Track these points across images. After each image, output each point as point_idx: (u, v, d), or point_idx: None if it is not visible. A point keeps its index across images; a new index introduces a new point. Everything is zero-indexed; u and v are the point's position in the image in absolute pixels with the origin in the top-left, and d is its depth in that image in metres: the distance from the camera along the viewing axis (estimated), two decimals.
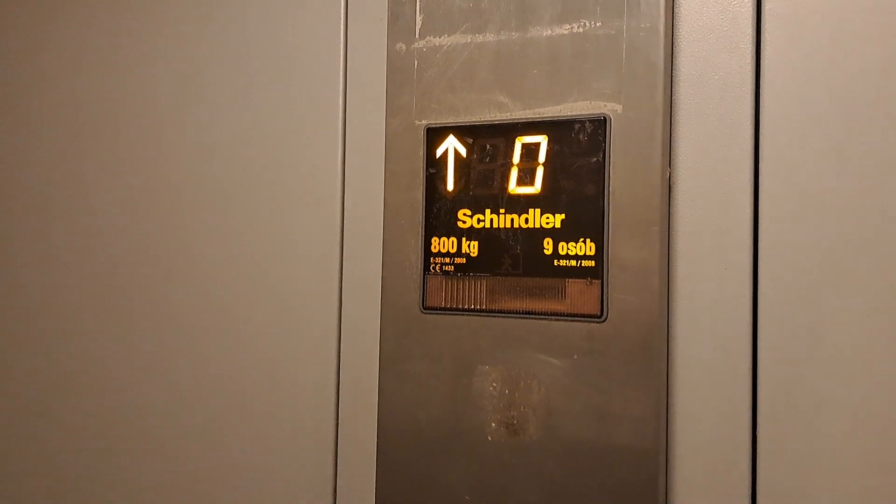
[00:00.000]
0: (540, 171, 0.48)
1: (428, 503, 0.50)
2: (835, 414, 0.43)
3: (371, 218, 0.54)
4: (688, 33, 0.46)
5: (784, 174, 0.44)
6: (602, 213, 0.46)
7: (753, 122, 0.45)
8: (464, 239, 0.50)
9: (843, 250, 0.43)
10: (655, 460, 0.45)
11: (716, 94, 0.46)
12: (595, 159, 0.47)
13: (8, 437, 0.69)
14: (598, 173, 0.46)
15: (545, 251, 0.48)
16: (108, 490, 0.64)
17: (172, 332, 0.62)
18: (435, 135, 0.51)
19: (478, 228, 0.49)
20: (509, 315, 0.49)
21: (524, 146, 0.48)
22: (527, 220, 0.48)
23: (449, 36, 0.51)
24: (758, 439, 0.44)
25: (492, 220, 0.49)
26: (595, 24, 0.47)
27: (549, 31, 0.48)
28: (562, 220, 0.47)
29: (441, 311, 0.51)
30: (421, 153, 0.51)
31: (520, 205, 0.48)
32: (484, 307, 0.49)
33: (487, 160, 0.49)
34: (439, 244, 0.51)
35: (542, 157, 0.48)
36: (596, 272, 0.46)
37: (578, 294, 0.47)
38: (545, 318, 0.48)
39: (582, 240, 0.47)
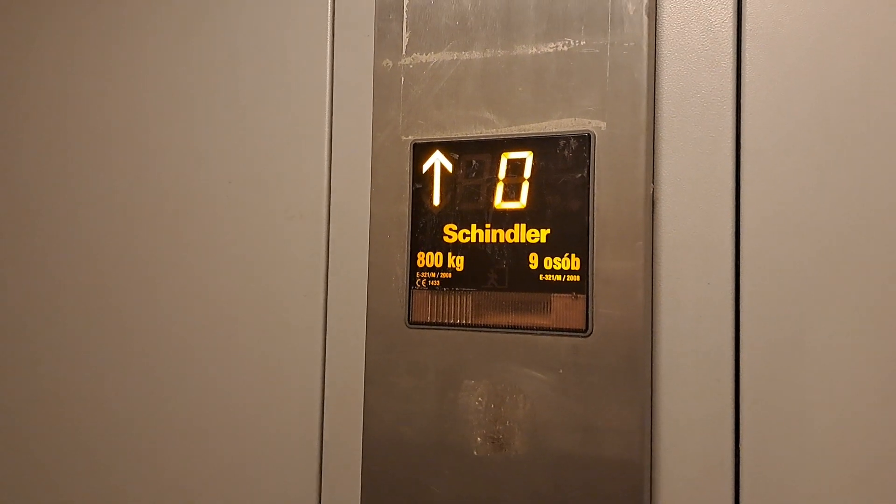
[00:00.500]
0: (525, 187, 0.48)
1: None
2: (817, 424, 0.43)
3: (357, 232, 0.54)
4: (670, 52, 0.47)
5: (765, 189, 0.45)
6: (587, 228, 0.47)
7: (734, 139, 0.46)
8: (450, 254, 0.50)
9: (824, 263, 0.44)
10: (640, 473, 0.45)
11: (698, 111, 0.46)
12: (580, 175, 0.47)
13: None
14: (583, 189, 0.47)
15: (531, 266, 0.48)
16: (90, 495, 0.63)
17: (155, 345, 0.61)
18: (421, 150, 0.51)
19: (464, 243, 0.50)
20: (495, 330, 0.49)
21: (510, 162, 0.49)
22: (512, 235, 0.48)
23: (436, 53, 0.52)
24: (741, 450, 0.45)
25: (478, 234, 0.49)
26: (579, 42, 0.48)
27: (535, 49, 0.49)
28: (547, 235, 0.48)
29: (427, 326, 0.51)
30: (407, 168, 0.52)
31: (505, 220, 0.49)
32: (470, 322, 0.49)
33: (473, 175, 0.50)
34: (425, 259, 0.51)
35: (527, 173, 0.48)
36: (581, 287, 0.47)
37: (564, 308, 0.47)
38: (531, 333, 0.48)
39: (567, 254, 0.47)
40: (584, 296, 0.47)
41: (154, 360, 0.61)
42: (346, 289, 0.55)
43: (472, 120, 0.50)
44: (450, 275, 0.50)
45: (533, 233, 0.48)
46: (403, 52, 0.53)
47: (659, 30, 0.47)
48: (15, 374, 0.67)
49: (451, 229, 0.50)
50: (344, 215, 0.55)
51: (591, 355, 0.46)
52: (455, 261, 0.50)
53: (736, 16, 0.46)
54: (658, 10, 0.47)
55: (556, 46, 0.48)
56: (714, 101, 0.46)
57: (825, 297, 0.44)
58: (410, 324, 0.51)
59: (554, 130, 0.48)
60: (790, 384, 0.44)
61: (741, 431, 0.45)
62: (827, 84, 0.44)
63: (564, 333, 0.47)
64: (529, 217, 0.48)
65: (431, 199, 0.51)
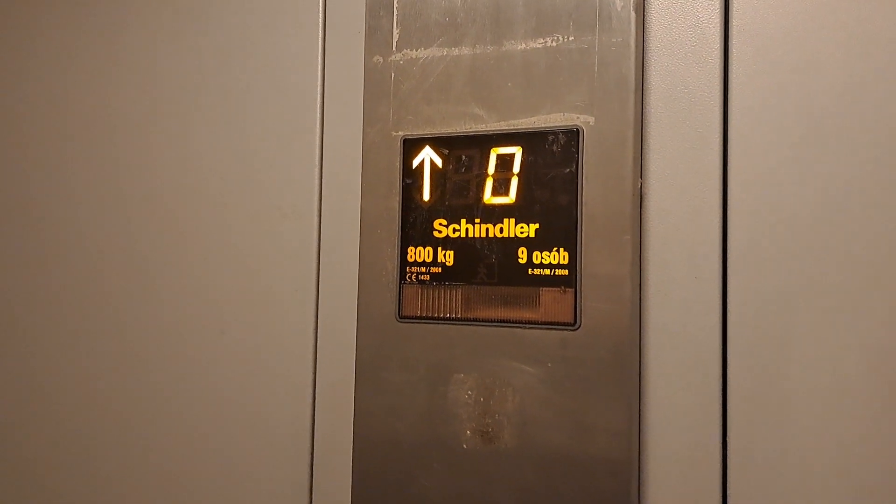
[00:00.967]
0: (514, 182, 0.49)
1: None
2: (804, 420, 0.44)
3: (348, 227, 0.55)
4: (658, 48, 0.48)
5: (752, 185, 0.45)
6: (575, 222, 0.47)
7: (722, 134, 0.46)
8: (440, 248, 0.50)
9: (811, 259, 0.44)
10: (628, 468, 0.45)
11: (685, 107, 0.47)
12: (568, 170, 0.47)
13: None
14: (572, 184, 0.47)
15: (519, 260, 0.48)
16: (81, 489, 0.63)
17: (145, 341, 0.61)
18: (411, 146, 0.52)
19: (453, 238, 0.50)
20: (484, 323, 0.49)
21: (499, 157, 0.49)
22: (501, 230, 0.49)
23: (426, 49, 0.52)
24: (728, 446, 0.45)
25: (467, 229, 0.50)
26: (568, 38, 0.48)
27: (524, 45, 0.49)
28: (536, 230, 0.48)
29: (417, 320, 0.51)
30: (397, 164, 0.52)
31: (495, 214, 0.49)
32: (459, 316, 0.50)
33: (463, 171, 0.50)
34: (415, 254, 0.51)
35: (516, 168, 0.49)
36: (569, 281, 0.47)
37: (552, 302, 0.47)
38: (519, 327, 0.48)
39: (556, 249, 0.47)
40: (573, 290, 0.47)
41: (144, 356, 0.61)
42: (336, 284, 0.55)
43: (462, 115, 0.51)
44: (440, 269, 0.50)
45: (522, 227, 0.48)
46: (394, 49, 0.53)
47: (647, 26, 0.48)
48: (6, 371, 0.67)
49: (440, 224, 0.50)
50: (335, 211, 0.56)
51: (579, 349, 0.47)
52: (445, 255, 0.50)
53: (723, 12, 0.46)
54: (646, 7, 0.48)
55: (545, 42, 0.49)
56: (701, 96, 0.46)
57: (812, 292, 0.44)
58: (401, 318, 0.51)
59: (543, 125, 0.48)
60: (777, 378, 0.44)
61: (728, 424, 0.45)
62: (813, 80, 0.44)
63: (553, 327, 0.47)
64: (518, 212, 0.48)
65: (421, 195, 0.51)
